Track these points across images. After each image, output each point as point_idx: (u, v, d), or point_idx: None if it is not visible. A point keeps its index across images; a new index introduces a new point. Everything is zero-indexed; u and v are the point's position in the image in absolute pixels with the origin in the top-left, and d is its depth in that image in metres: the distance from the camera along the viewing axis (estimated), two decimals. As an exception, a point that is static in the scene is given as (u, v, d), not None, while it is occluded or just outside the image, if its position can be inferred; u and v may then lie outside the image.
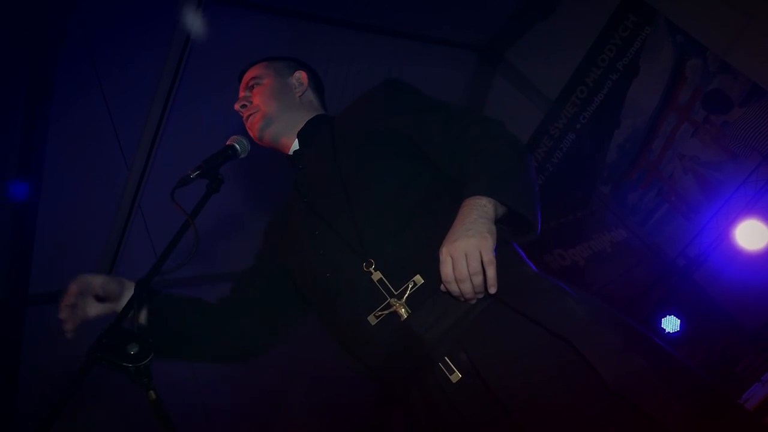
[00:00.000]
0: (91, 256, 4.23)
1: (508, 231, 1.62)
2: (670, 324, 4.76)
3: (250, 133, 1.94)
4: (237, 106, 1.99)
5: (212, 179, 1.72)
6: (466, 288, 1.45)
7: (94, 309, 1.80)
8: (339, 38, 4.41)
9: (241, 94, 2.02)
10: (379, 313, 1.57)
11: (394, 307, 1.56)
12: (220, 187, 1.75)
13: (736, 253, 4.45)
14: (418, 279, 1.56)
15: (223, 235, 4.42)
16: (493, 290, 1.45)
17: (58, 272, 4.10)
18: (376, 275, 1.59)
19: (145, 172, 3.95)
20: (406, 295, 1.56)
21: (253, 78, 2.01)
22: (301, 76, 2.06)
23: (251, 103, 1.95)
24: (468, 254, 1.43)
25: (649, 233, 5.00)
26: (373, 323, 1.58)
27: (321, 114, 2.04)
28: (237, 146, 1.85)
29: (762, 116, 4.31)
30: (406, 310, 1.55)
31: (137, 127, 3.83)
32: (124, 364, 1.36)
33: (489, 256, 1.43)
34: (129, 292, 1.82)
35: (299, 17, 4.18)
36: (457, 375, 1.51)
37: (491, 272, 1.44)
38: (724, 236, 4.54)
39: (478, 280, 1.44)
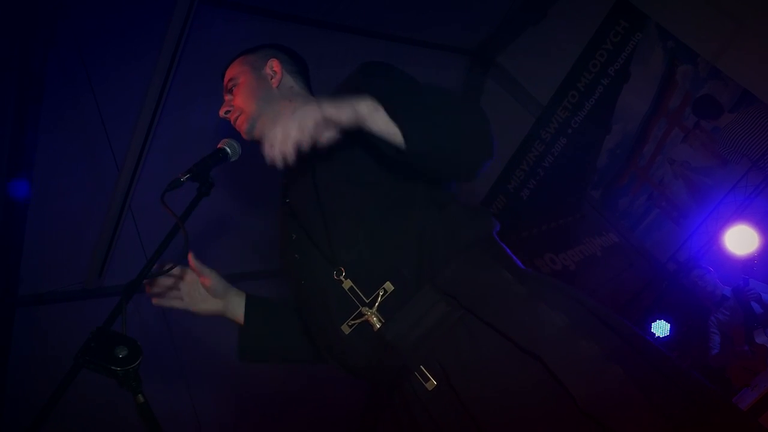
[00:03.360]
0: (81, 257, 4.22)
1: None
2: (660, 328, 4.78)
3: (241, 135, 1.91)
4: (222, 113, 1.95)
5: (202, 182, 1.71)
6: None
7: (206, 304, 1.93)
8: (331, 41, 4.41)
9: (225, 97, 1.98)
10: (352, 322, 1.55)
11: (366, 316, 1.54)
12: (210, 190, 1.74)
13: (726, 258, 4.47)
14: (389, 286, 1.54)
15: (213, 238, 4.41)
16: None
17: (48, 273, 4.09)
18: (347, 284, 1.56)
19: (136, 174, 3.93)
20: (377, 303, 1.53)
21: (230, 79, 1.96)
22: (273, 64, 1.96)
23: (233, 106, 1.92)
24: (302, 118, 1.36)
25: (640, 238, 5.02)
26: (347, 333, 1.56)
27: None
28: (228, 149, 1.84)
29: (752, 122, 4.34)
30: (379, 319, 1.53)
31: (128, 129, 3.82)
32: (113, 367, 1.35)
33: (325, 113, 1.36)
34: (236, 300, 1.94)
35: (291, 20, 4.18)
36: (432, 383, 1.49)
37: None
38: (713, 241, 4.56)
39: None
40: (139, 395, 1.35)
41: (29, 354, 4.10)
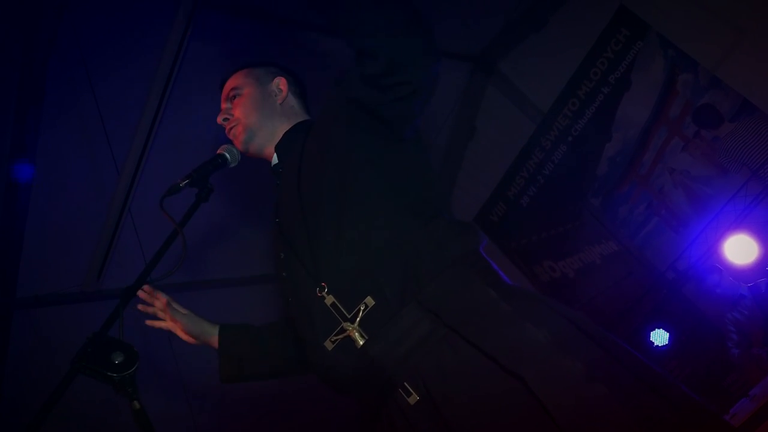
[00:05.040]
0: (80, 259, 4.21)
1: None
2: (659, 337, 4.77)
3: (236, 145, 1.93)
4: (219, 120, 1.97)
5: (202, 188, 1.72)
6: None
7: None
8: (333, 46, 4.42)
9: (223, 105, 1.99)
10: (335, 338, 1.56)
11: (348, 332, 1.55)
12: (209, 195, 1.75)
13: (725, 268, 4.47)
14: (370, 301, 1.54)
15: (212, 243, 4.40)
16: None
17: (46, 275, 4.09)
18: (329, 299, 1.57)
19: (136, 177, 3.93)
20: (359, 318, 1.54)
21: (233, 88, 1.99)
22: (281, 82, 2.01)
23: (232, 115, 1.94)
24: None
25: (639, 246, 5.01)
26: (330, 348, 1.57)
27: (299, 122, 1.99)
28: (227, 155, 1.85)
29: (752, 132, 4.34)
30: (361, 335, 1.54)
31: (129, 132, 3.82)
32: (109, 373, 1.35)
33: None
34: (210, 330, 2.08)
35: (294, 25, 4.18)
36: (414, 397, 1.50)
37: None
38: (713, 250, 4.56)
39: None
40: (135, 401, 1.35)
41: (26, 356, 4.09)
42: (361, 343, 1.52)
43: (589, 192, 5.25)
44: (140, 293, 1.96)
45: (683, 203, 4.75)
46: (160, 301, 2.01)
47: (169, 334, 2.05)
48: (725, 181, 4.51)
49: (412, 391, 1.49)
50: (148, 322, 2.06)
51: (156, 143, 3.88)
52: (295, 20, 4.19)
